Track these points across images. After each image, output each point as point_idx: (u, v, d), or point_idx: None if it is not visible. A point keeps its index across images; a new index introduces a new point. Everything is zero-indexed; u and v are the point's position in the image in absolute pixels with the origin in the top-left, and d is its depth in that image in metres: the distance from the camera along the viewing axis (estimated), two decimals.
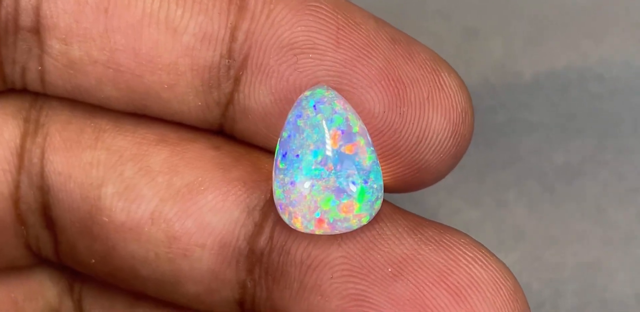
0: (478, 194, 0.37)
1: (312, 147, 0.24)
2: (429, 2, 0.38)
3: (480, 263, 0.24)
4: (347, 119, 0.24)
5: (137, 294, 0.29)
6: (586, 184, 0.37)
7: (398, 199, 0.29)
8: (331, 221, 0.24)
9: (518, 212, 0.36)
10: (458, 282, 0.24)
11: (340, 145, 0.24)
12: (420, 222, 0.25)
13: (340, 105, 0.24)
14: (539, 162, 0.37)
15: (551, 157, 0.37)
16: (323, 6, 0.25)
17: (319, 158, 0.24)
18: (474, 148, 0.37)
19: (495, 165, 0.37)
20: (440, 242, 0.24)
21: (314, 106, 0.24)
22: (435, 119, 0.25)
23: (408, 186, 0.26)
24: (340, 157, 0.24)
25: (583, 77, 0.38)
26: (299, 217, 0.24)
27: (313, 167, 0.24)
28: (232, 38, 0.25)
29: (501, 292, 0.24)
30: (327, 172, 0.24)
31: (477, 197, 0.37)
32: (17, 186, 0.27)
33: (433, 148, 0.25)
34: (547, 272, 0.36)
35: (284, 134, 0.24)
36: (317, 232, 0.24)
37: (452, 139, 0.25)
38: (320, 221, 0.24)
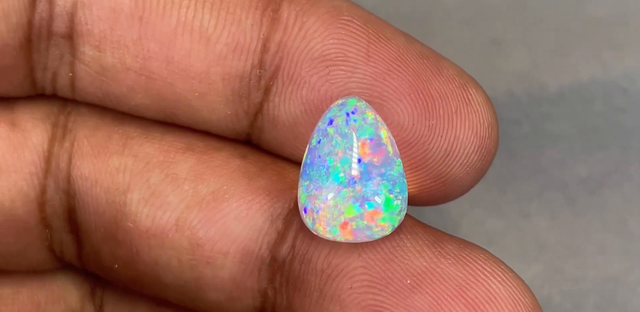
0: (501, 205, 0.37)
1: (340, 154, 0.24)
2: (454, 13, 0.38)
3: (499, 279, 0.24)
4: (376, 130, 0.24)
5: (158, 301, 0.29)
6: (608, 196, 0.37)
7: (422, 209, 0.29)
8: (354, 228, 0.24)
9: (540, 223, 0.36)
10: (476, 297, 0.24)
11: (368, 155, 0.24)
12: (440, 236, 0.25)
13: (371, 115, 0.24)
14: (561, 174, 0.37)
15: (574, 170, 0.37)
16: (354, 20, 0.25)
17: (347, 166, 0.24)
18: (497, 159, 0.36)
19: (518, 176, 0.37)
20: (460, 257, 0.24)
21: (346, 115, 0.24)
22: (462, 133, 0.25)
23: (433, 199, 0.26)
24: (367, 167, 0.24)
25: (607, 90, 0.38)
26: (323, 223, 0.24)
27: (340, 175, 0.24)
28: (264, 49, 0.25)
29: (518, 309, 0.24)
30: (354, 181, 0.24)
31: (500, 208, 0.36)
32: (43, 190, 0.27)
33: (460, 161, 0.25)
34: (568, 284, 0.36)
35: (313, 141, 0.24)
36: (339, 239, 0.24)
37: (478, 153, 0.25)
38: (343, 227, 0.24)
